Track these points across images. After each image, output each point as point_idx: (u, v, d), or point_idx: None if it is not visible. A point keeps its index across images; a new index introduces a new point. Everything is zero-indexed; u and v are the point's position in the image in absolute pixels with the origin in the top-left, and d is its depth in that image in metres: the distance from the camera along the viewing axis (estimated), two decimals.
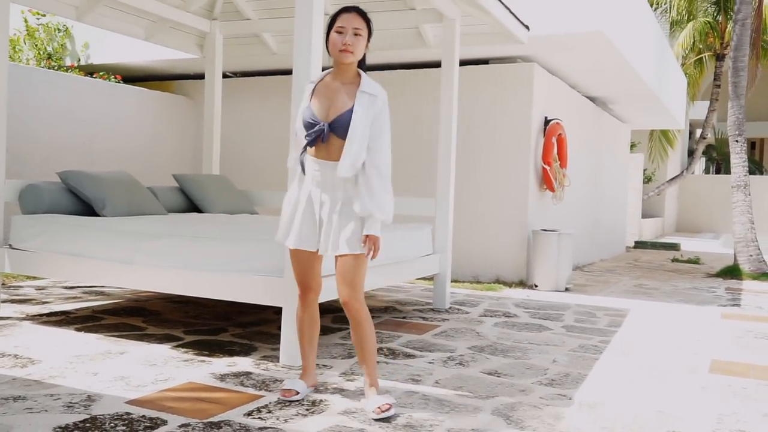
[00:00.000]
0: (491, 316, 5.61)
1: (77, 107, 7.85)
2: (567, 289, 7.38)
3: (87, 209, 5.13)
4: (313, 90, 3.07)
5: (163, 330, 4.63)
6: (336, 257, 3.05)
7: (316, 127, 2.96)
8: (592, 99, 10.36)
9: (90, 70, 9.23)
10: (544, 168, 7.89)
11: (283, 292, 3.81)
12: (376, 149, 2.95)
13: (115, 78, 9.04)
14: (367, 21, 3.04)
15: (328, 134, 2.95)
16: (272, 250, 3.98)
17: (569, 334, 5.07)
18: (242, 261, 4.02)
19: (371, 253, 3.00)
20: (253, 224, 5.14)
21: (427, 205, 5.93)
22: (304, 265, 3.14)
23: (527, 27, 6.31)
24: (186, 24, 6.73)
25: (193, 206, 6.13)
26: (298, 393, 3.18)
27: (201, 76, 9.34)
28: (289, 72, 8.49)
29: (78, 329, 4.56)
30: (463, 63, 7.83)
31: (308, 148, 3.03)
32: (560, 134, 8.12)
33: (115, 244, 4.42)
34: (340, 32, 2.96)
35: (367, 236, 2.99)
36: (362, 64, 3.08)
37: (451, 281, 7.53)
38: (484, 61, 7.92)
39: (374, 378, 3.12)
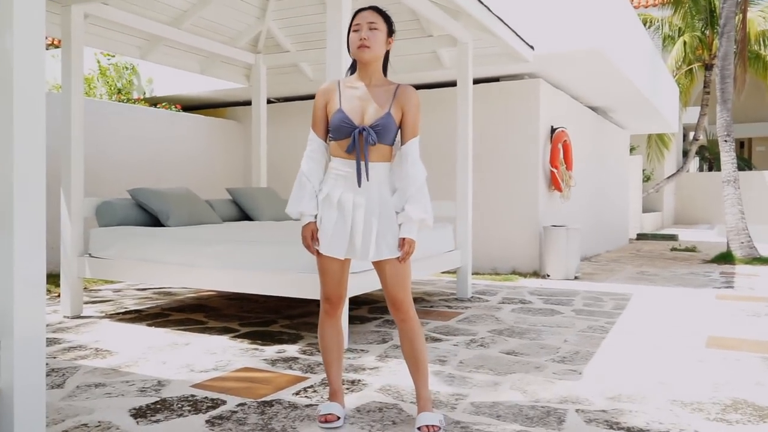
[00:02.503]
0: (509, 303, 5.57)
1: (143, 134, 7.99)
2: (576, 278, 7.30)
3: (154, 221, 5.21)
4: (339, 93, 2.53)
5: (222, 323, 4.68)
6: (377, 263, 2.53)
7: (356, 131, 2.45)
8: (593, 108, 10.24)
9: (154, 102, 9.40)
10: (551, 171, 7.82)
11: None
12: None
13: (176, 107, 9.18)
14: (385, 16, 2.54)
15: (374, 138, 2.45)
16: None
17: (578, 316, 5.01)
18: (288, 261, 4.05)
19: (405, 255, 2.49)
20: (297, 229, 5.16)
21: (449, 207, 5.91)
22: (337, 274, 2.57)
23: (532, 47, 6.27)
24: (234, 58, 6.80)
25: (244, 215, 6.18)
26: (338, 418, 2.61)
27: (248, 103, 9.44)
28: None
29: (149, 324, 4.63)
30: (477, 81, 7.81)
31: (337, 150, 2.52)
32: (565, 141, 8.06)
33: (179, 250, 4.47)
34: (356, 30, 2.50)
35: (404, 239, 2.48)
36: (385, 67, 2.58)
37: (472, 273, 7.49)
38: (495, 79, 7.88)
39: (427, 392, 2.57)
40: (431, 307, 5.37)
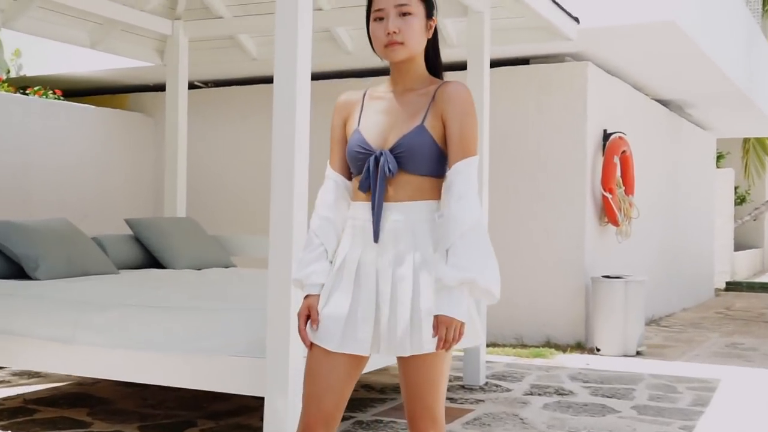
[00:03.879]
0: (539, 395, 5.54)
1: (6, 132, 7.89)
2: (638, 353, 7.29)
3: (15, 270, 5.12)
4: (362, 107, 2.53)
5: (113, 426, 4.58)
6: (402, 358, 2.42)
7: (371, 159, 2.40)
8: (664, 103, 10.33)
9: (22, 84, 9.30)
10: (604, 196, 7.84)
11: (266, 377, 3.76)
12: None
13: (54, 93, 9.11)
14: None
15: (394, 167, 2.38)
16: (250, 321, 3.95)
17: (642, 417, 4.98)
18: (213, 337, 3.98)
19: (443, 345, 2.31)
20: (227, 284, 5.12)
21: None
22: (338, 382, 2.41)
23: (576, 19, 6.30)
24: (141, 26, 6.77)
25: (151, 260, 6.13)
26: None
27: (161, 87, 9.37)
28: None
29: (4, 428, 4.51)
30: (497, 63, 7.81)
31: (354, 190, 2.50)
32: (624, 152, 8.10)
33: (52, 317, 4.39)
34: (379, 18, 2.45)
35: (440, 319, 2.29)
36: (434, 61, 2.56)
37: (489, 345, 7.44)
38: (524, 61, 7.92)
39: None
40: None
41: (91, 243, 5.54)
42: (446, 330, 2.27)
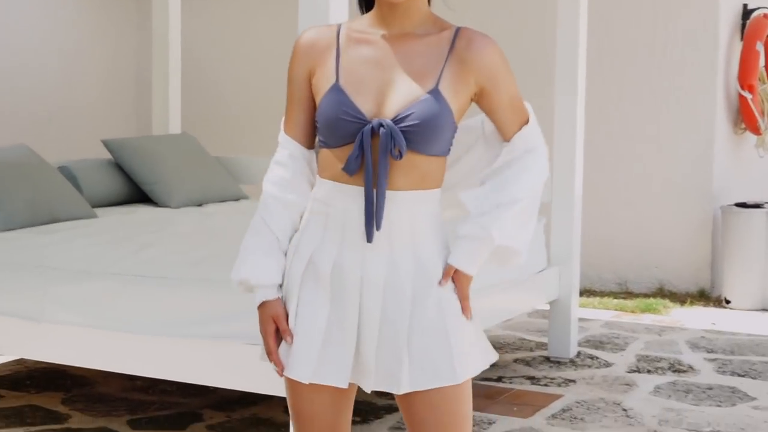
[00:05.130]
0: (649, 371, 5.57)
1: None
2: None
3: None
4: (337, 52, 2.42)
5: (96, 420, 4.65)
6: (411, 396, 2.38)
7: (365, 130, 2.30)
8: None
9: None
10: (742, 96, 7.75)
11: None
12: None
13: None
14: None
15: (404, 147, 2.29)
16: None
17: None
18: (225, 320, 4.00)
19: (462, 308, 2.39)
20: (241, 234, 5.11)
21: None
22: (327, 418, 2.45)
23: None
24: None
25: (138, 192, 6.17)
26: None
27: None
28: None
29: None
30: None
31: (328, 165, 2.40)
32: None
33: (13, 286, 4.45)
34: None
35: (462, 276, 2.39)
36: None
37: (583, 293, 7.40)
38: None
39: None
40: (498, 380, 5.38)
41: (59, 177, 5.56)
42: (463, 281, 2.38)
